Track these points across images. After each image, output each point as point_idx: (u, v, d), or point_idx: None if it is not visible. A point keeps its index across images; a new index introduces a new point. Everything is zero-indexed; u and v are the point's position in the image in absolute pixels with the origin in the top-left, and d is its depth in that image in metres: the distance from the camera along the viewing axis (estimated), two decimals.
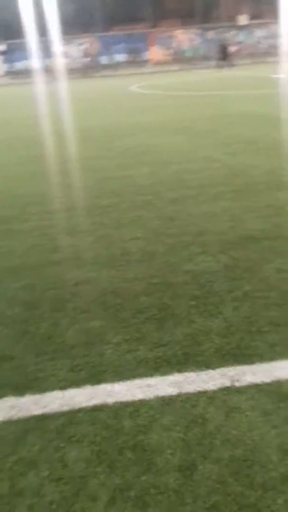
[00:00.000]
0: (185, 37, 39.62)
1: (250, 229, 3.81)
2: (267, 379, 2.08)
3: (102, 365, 2.24)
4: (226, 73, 23.53)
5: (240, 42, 40.22)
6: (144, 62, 38.65)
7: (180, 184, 5.28)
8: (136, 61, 38.54)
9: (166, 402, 2.00)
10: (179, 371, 2.17)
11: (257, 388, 2.04)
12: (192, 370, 2.17)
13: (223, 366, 2.19)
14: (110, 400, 2.02)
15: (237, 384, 2.07)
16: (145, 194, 4.99)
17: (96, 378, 2.16)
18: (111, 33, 39.99)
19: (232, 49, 35.96)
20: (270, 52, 38.37)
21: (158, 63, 36.64)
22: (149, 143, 7.76)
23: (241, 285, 2.92)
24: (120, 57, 39.47)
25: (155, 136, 8.42)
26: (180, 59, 38.26)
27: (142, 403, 2.00)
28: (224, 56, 26.48)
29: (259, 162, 5.94)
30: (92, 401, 2.02)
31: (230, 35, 39.82)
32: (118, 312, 2.70)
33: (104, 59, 38.54)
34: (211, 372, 2.15)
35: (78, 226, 4.18)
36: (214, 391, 2.04)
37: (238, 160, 6.13)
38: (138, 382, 2.12)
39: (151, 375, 2.15)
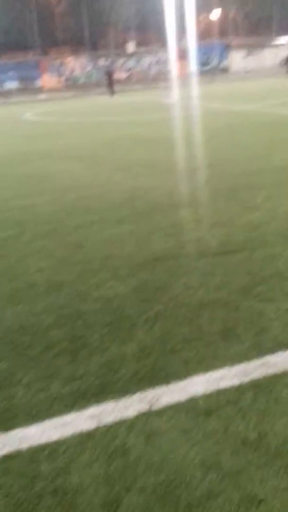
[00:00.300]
0: (76, 64, 40.30)
1: (156, 249, 3.89)
2: (183, 397, 2.10)
3: (12, 409, 2.12)
4: (119, 99, 24.25)
5: (129, 69, 41.76)
6: (37, 90, 38.58)
7: (83, 210, 5.27)
8: (28, 88, 38.35)
9: (84, 438, 1.94)
10: (96, 403, 2.12)
11: (175, 407, 2.05)
12: (109, 400, 2.13)
13: (140, 390, 2.18)
14: (24, 445, 1.91)
15: (155, 407, 2.07)
16: (47, 222, 4.91)
17: (6, 424, 2.04)
18: (1, 61, 39.53)
19: (119, 75, 37.25)
20: (159, 78, 40.27)
21: (51, 90, 36.79)
22: (48, 170, 7.69)
23: (152, 306, 2.95)
24: (12, 85, 39.06)
25: (53, 163, 8.37)
26: (73, 86, 38.76)
27: (59, 443, 1.92)
28: (110, 82, 27.39)
29: (158, 183, 6.13)
30: (5, 449, 1.90)
31: (120, 62, 41.24)
32: (27, 349, 2.59)
33: None
34: (128, 399, 2.13)
35: None
36: (133, 418, 2.02)
37: (138, 183, 6.29)
38: (53, 421, 2.03)
39: (67, 412, 2.08)
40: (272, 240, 3.84)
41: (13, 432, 1.99)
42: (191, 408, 2.04)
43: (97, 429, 1.97)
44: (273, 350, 2.40)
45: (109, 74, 27.98)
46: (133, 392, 2.18)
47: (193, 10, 37.94)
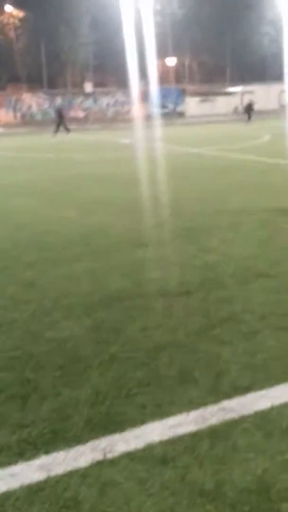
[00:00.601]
0: (33, 101, 40.73)
1: (112, 289, 3.87)
2: (139, 445, 2.05)
3: None
4: (76, 137, 24.60)
5: (87, 108, 42.66)
6: None
7: (38, 246, 5.21)
8: None
9: (33, 490, 1.84)
10: (47, 452, 2.03)
11: (130, 456, 1.99)
12: (61, 449, 2.04)
13: (94, 438, 2.11)
14: None
15: (109, 455, 2.00)
16: (0, 259, 4.80)
17: None
18: None
19: (76, 114, 37.95)
20: (116, 118, 41.31)
21: (6, 125, 36.84)
22: (2, 206, 7.60)
23: (107, 347, 2.90)
24: None
25: (8, 198, 8.29)
26: (29, 122, 38.98)
27: (6, 495, 1.81)
28: (60, 121, 27.92)
29: (115, 221, 6.18)
30: None
31: (77, 101, 42.08)
32: None
33: None
34: (81, 447, 2.06)
35: None
36: (86, 468, 1.94)
37: (95, 220, 6.30)
38: (0, 472, 1.92)
39: (15, 462, 1.97)
40: (228, 281, 3.92)
41: None
42: (147, 456, 1.99)
43: (47, 480, 1.88)
44: (230, 394, 2.40)
45: (60, 112, 28.47)
46: (86, 440, 2.10)
47: (151, 54, 39.58)
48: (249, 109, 30.78)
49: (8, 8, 47.13)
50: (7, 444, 2.08)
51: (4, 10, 47.19)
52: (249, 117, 30.22)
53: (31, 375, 2.62)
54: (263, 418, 2.23)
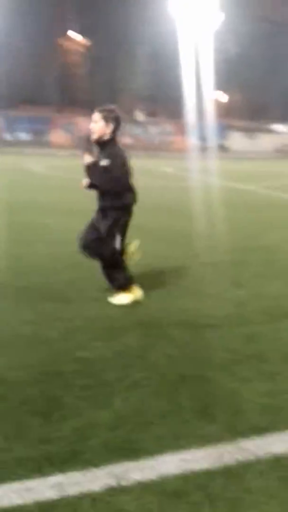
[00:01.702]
0: (86, 125, 41.96)
1: (140, 314, 3.87)
2: (153, 476, 2.02)
3: None
4: None
5: (135, 135, 43.57)
6: (46, 144, 39.79)
7: (75, 265, 5.28)
8: (38, 142, 39.55)
9: (45, 507, 1.84)
10: (63, 471, 2.03)
11: (143, 486, 1.97)
12: (76, 470, 2.04)
13: (109, 463, 2.10)
14: None
15: (123, 482, 1.98)
16: (38, 274, 4.89)
17: None
18: (16, 113, 41.03)
19: (124, 140, 38.87)
20: (163, 147, 41.91)
21: (61, 146, 37.97)
22: (44, 222, 7.77)
23: (131, 373, 2.90)
24: (23, 137, 40.31)
25: (50, 215, 8.48)
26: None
27: (18, 509, 1.81)
28: (87, 145, 28.73)
29: (149, 248, 6.19)
30: None
31: (126, 128, 43.07)
32: None
33: (7, 136, 39.08)
34: (96, 470, 2.04)
35: None
36: (99, 492, 1.92)
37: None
38: (15, 485, 1.93)
39: (31, 477, 1.98)
40: (256, 318, 3.85)
41: None
42: (160, 488, 1.95)
43: (59, 500, 1.87)
44: (247, 434, 2.34)
45: (87, 138, 29.41)
46: (102, 464, 2.09)
47: (202, 89, 40.14)
48: None
49: (75, 36, 49.11)
50: (26, 458, 2.10)
51: (71, 38, 49.18)
52: None
53: (56, 392, 2.64)
54: (279, 461, 2.16)
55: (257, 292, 4.51)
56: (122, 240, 4.09)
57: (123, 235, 4.10)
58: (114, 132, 3.97)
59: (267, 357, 3.17)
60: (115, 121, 3.96)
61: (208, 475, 2.05)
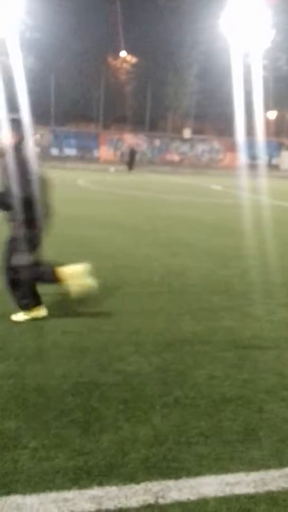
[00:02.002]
0: (133, 142, 42.67)
1: (183, 331, 3.86)
2: (193, 496, 1.99)
3: (15, 473, 2.06)
4: (170, 179, 25.26)
5: (183, 153, 43.93)
6: (93, 159, 40.76)
7: (117, 279, 5.34)
8: (86, 157, 40.61)
9: None
10: (100, 484, 2.03)
11: (182, 506, 1.94)
12: (114, 484, 2.04)
13: (147, 480, 2.08)
14: None
15: (161, 501, 1.96)
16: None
17: (6, 487, 1.97)
18: (64, 129, 42.41)
19: (172, 157, 39.28)
20: (210, 165, 42.00)
21: (107, 162, 38.80)
22: (87, 235, 7.93)
23: (172, 390, 2.88)
24: (71, 152, 41.52)
25: (94, 229, 8.64)
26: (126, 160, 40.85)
27: None
28: (131, 160, 29.24)
29: (198, 266, 6.19)
30: None
31: (174, 146, 43.52)
32: (39, 412, 2.55)
33: (54, 151, 40.34)
34: (134, 486, 2.04)
35: (7, 314, 4.05)
36: (136, 508, 1.91)
37: (177, 261, 6.37)
38: (53, 495, 1.95)
39: (68, 488, 2.00)
40: None
41: (12, 497, 1.91)
42: (199, 509, 1.92)
43: None
44: None
45: (132, 153, 29.84)
46: (140, 480, 2.08)
47: (253, 107, 40.08)
48: None
49: (123, 53, 50.51)
50: (64, 468, 2.12)
51: (119, 55, 50.64)
52: None
53: (95, 404, 2.66)
54: None
55: None
56: (30, 256, 3.79)
57: (30, 251, 3.80)
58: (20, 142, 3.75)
59: None
60: (19, 130, 3.75)
61: (251, 500, 1.99)
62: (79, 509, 1.88)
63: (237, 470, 2.18)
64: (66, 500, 1.93)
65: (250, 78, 40.99)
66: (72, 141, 42.02)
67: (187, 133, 45.42)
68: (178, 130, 47.22)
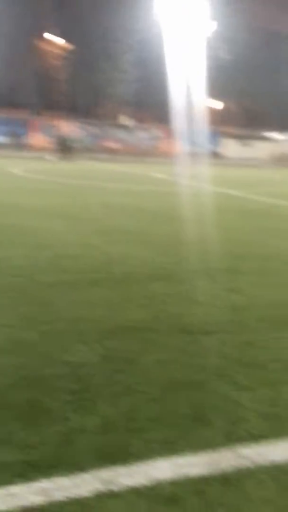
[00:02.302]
0: (68, 129, 42.10)
1: (128, 318, 3.87)
2: (144, 481, 2.01)
3: None
4: (108, 166, 25.18)
5: (121, 140, 43.93)
6: (26, 147, 39.81)
7: (56, 268, 5.27)
8: (18, 144, 39.58)
9: None
10: (48, 476, 2.00)
11: (134, 491, 1.95)
12: (63, 475, 2.01)
13: (98, 468, 2.08)
14: None
15: (112, 487, 1.96)
16: (17, 276, 4.86)
17: None
18: None
19: (110, 145, 39.28)
20: (150, 152, 42.30)
21: (41, 149, 38.01)
22: (26, 225, 7.75)
23: (120, 378, 2.88)
24: (1, 139, 40.35)
25: (33, 218, 8.46)
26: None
27: None
28: (64, 148, 29.34)
29: (138, 253, 6.23)
30: None
31: (112, 133, 43.45)
32: None
33: None
34: (84, 475, 2.02)
35: None
36: (87, 497, 1.90)
37: (118, 249, 6.37)
38: None
39: (15, 482, 1.95)
40: (253, 326, 3.88)
41: None
42: (152, 493, 1.94)
43: (45, 505, 1.85)
44: (246, 441, 2.35)
45: (62, 140, 29.88)
46: (90, 469, 2.07)
47: (192, 94, 40.73)
48: None
49: (51, 37, 49.51)
50: (10, 463, 2.07)
51: (46, 38, 49.53)
52: None
53: (40, 397, 2.61)
54: (279, 470, 2.17)
55: (253, 300, 4.55)
56: None
57: None
58: None
59: (266, 365, 3.19)
60: None
61: (205, 481, 2.04)
62: (27, 503, 1.85)
63: (189, 452, 2.22)
64: (13, 495, 1.88)
65: (189, 67, 41.53)
66: (2, 128, 40.85)
67: (124, 120, 45.45)
68: (115, 118, 47.13)
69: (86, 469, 2.06)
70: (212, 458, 2.20)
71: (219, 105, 52.62)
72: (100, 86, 48.68)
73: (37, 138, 41.42)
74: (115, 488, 1.96)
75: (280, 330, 3.81)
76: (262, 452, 2.28)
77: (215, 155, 42.49)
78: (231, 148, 44.76)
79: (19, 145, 39.25)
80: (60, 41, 50.11)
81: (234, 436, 2.38)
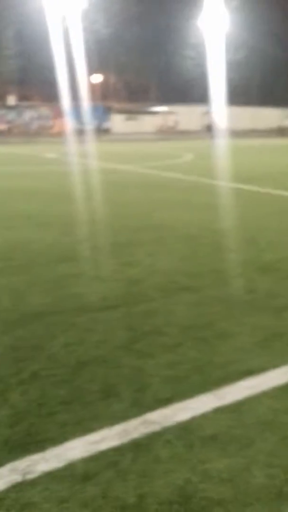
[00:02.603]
0: None
1: (33, 305, 3.79)
2: (60, 464, 2.01)
3: None
4: None
5: (9, 121, 41.97)
6: None
7: None
8: None
9: None
10: None
11: (50, 476, 1.95)
12: None
13: (13, 460, 2.04)
14: None
15: (29, 476, 1.94)
16: None
17: None
18: None
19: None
20: (40, 132, 40.94)
21: None
22: None
23: (28, 365, 2.83)
24: None
25: None
26: None
27: None
28: None
29: (38, 236, 6.07)
30: None
31: None
32: None
33: None
34: None
35: None
36: (4, 491, 1.87)
37: (17, 235, 6.16)
38: None
39: None
40: (151, 295, 3.98)
41: None
42: (67, 475, 1.95)
43: None
44: (152, 407, 2.43)
45: None
46: (5, 462, 2.03)
47: (76, 70, 39.75)
48: (210, 128, 31.89)
49: None
50: None
51: None
52: (212, 135, 30.98)
53: None
54: (184, 429, 2.28)
55: (149, 270, 4.66)
56: None
57: None
58: None
59: (166, 331, 3.30)
60: None
61: (116, 452, 2.09)
62: None
63: (100, 427, 2.25)
64: None
65: (69, 42, 40.32)
66: None
67: (11, 99, 43.38)
68: (2, 98, 44.73)
69: (1, 463, 2.01)
70: (123, 428, 2.26)
71: (100, 80, 51.94)
72: None
73: None
74: (32, 476, 1.94)
75: (173, 296, 3.96)
76: (168, 414, 2.38)
77: (104, 131, 42.23)
78: (118, 123, 44.69)
79: None
80: None
81: (141, 404, 2.45)
